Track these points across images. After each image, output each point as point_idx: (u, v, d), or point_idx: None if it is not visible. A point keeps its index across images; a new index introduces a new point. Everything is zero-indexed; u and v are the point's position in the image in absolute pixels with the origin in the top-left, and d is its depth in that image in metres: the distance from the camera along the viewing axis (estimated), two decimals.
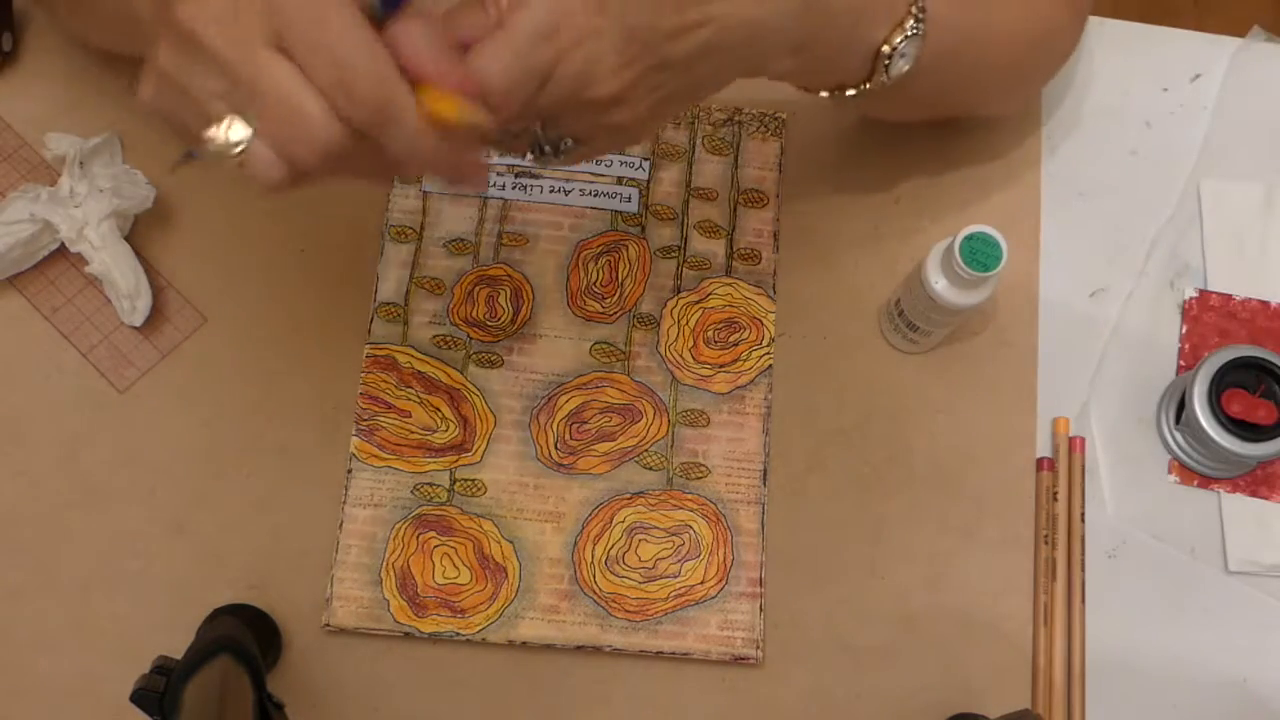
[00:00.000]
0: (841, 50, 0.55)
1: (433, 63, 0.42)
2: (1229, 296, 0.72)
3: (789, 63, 0.53)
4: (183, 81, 0.40)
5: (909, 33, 0.55)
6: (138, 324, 0.65)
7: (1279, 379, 0.65)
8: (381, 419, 0.65)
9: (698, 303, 0.69)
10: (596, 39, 0.46)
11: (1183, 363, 0.71)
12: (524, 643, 0.63)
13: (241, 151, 0.40)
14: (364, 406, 0.66)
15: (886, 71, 0.56)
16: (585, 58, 0.46)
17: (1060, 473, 0.68)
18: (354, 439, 0.65)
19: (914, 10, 0.55)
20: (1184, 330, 0.71)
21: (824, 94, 0.59)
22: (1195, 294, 0.72)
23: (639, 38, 0.47)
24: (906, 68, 0.56)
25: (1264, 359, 0.65)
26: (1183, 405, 0.67)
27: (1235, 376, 0.65)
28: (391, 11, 0.43)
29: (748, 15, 0.49)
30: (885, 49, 0.55)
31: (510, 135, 0.50)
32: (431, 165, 0.43)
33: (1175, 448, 0.68)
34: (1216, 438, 0.64)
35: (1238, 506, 0.68)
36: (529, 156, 0.51)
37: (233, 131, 0.40)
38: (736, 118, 0.72)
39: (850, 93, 0.58)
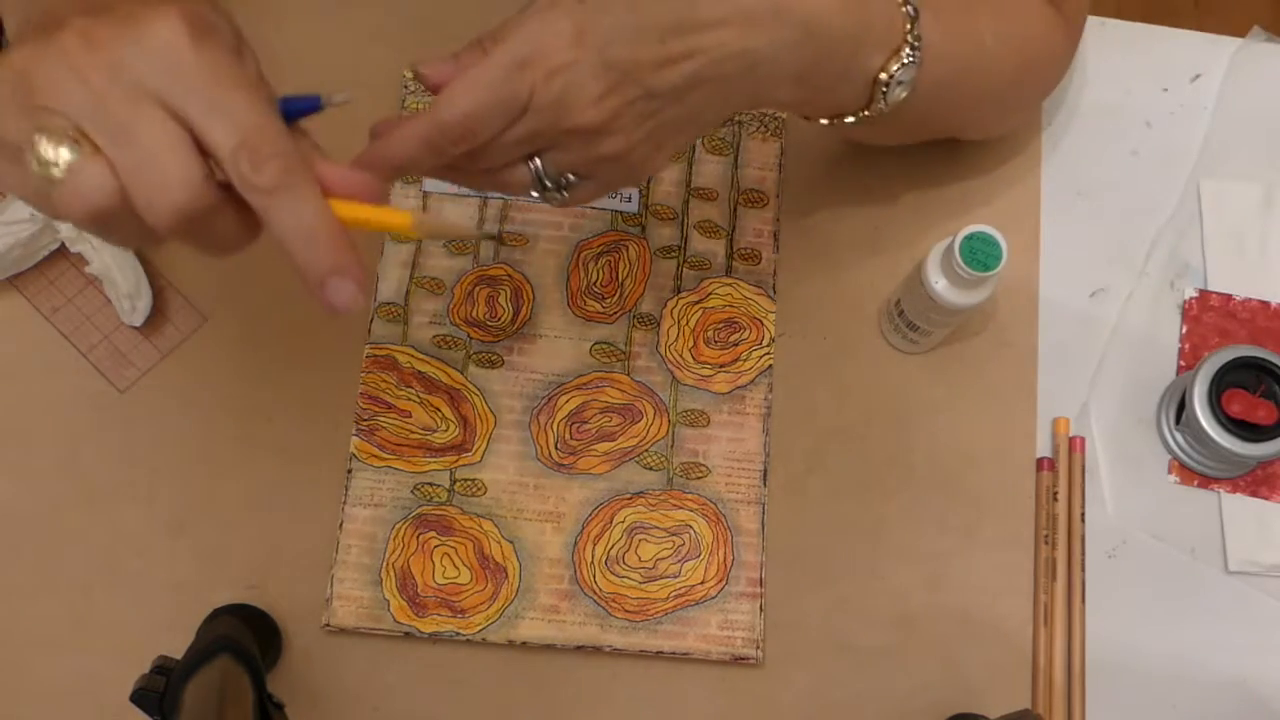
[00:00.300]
0: (840, 80, 0.55)
1: (328, 168, 0.42)
2: (1229, 296, 0.72)
3: (789, 92, 0.53)
4: (31, 83, 0.38)
5: (905, 60, 0.55)
6: (138, 324, 0.65)
7: (1279, 379, 0.65)
8: (381, 419, 0.65)
9: (698, 303, 0.69)
10: (575, 68, 0.47)
11: (1183, 363, 0.71)
12: (524, 643, 0.63)
13: (57, 172, 0.38)
14: (364, 406, 0.66)
15: (884, 99, 0.56)
16: (563, 86, 0.47)
17: (1060, 473, 0.68)
18: (354, 439, 0.65)
19: (910, 39, 0.55)
20: (1184, 330, 0.71)
21: (823, 121, 0.59)
22: (1195, 294, 0.72)
23: (619, 68, 0.47)
24: (904, 95, 0.57)
25: (1264, 359, 0.65)
26: (1183, 405, 0.67)
27: (1235, 376, 0.65)
28: (290, 120, 0.42)
29: (740, 47, 0.49)
30: (883, 76, 0.55)
31: (503, 173, 0.50)
32: (316, 250, 0.40)
33: (1175, 448, 0.68)
34: (1216, 438, 0.64)
35: (1238, 506, 0.68)
36: (534, 194, 0.52)
37: (62, 151, 0.38)
38: (737, 118, 0.72)
39: (849, 120, 0.58)
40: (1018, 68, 0.64)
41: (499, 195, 0.69)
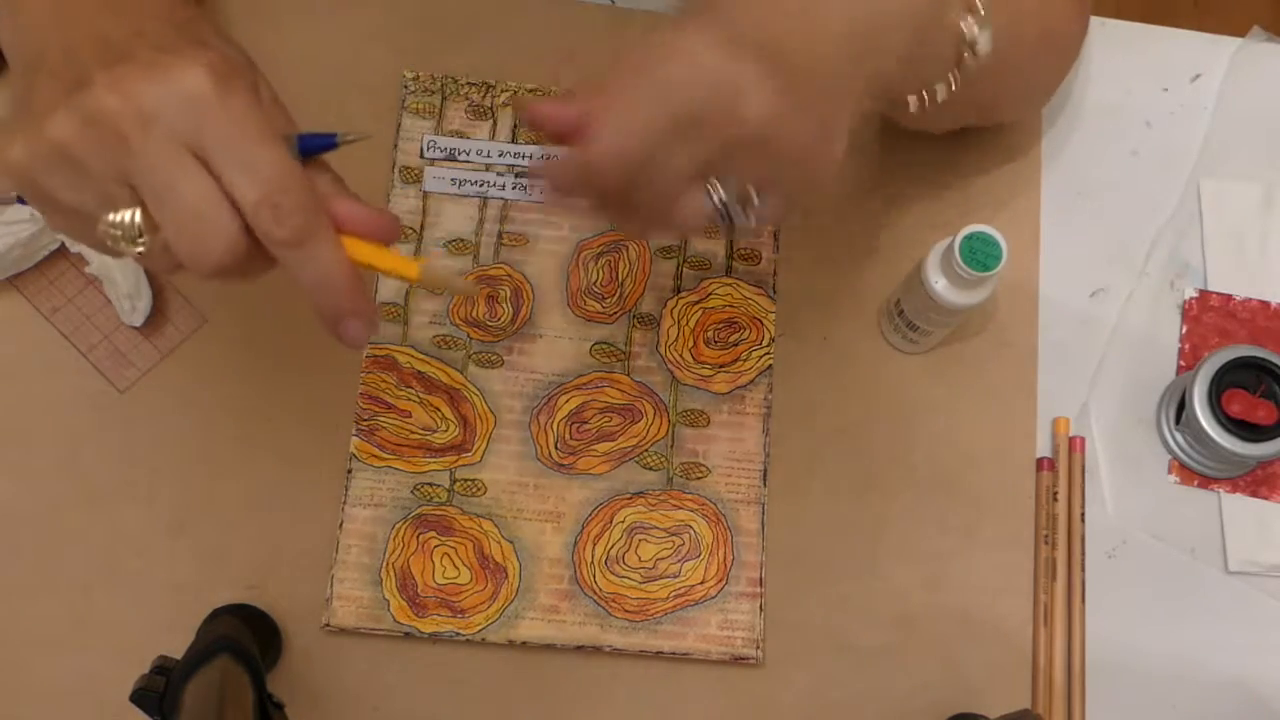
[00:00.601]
0: (933, 42, 0.53)
1: (344, 206, 0.43)
2: (1229, 296, 0.72)
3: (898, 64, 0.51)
4: (82, 161, 0.39)
5: (981, 9, 0.53)
6: (138, 324, 0.65)
7: (1279, 379, 0.65)
8: (381, 419, 0.65)
9: (698, 303, 0.69)
10: (722, 69, 0.44)
11: (1183, 363, 0.71)
12: (524, 643, 0.63)
13: (143, 241, 0.41)
14: (364, 406, 0.66)
15: (974, 52, 0.54)
16: (717, 88, 0.44)
17: (1060, 473, 0.68)
18: (354, 439, 0.65)
19: None
20: (1184, 330, 0.71)
21: (911, 105, 0.56)
22: (1195, 294, 0.72)
23: (767, 49, 0.44)
24: (987, 49, 0.54)
25: (1264, 359, 0.65)
26: (1183, 405, 0.67)
27: (1235, 376, 0.65)
28: (308, 156, 0.43)
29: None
30: (966, 31, 0.53)
31: (676, 207, 0.47)
32: (333, 296, 0.42)
33: (1175, 448, 0.68)
34: (1216, 438, 0.64)
35: (1238, 506, 0.68)
36: (721, 227, 0.48)
37: (135, 218, 0.41)
38: None
39: (939, 91, 0.55)
40: (1046, 42, 0.63)
41: (500, 196, 0.69)
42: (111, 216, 0.41)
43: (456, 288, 0.43)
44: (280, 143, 0.41)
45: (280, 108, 0.44)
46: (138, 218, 0.41)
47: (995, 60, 0.58)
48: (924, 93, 0.56)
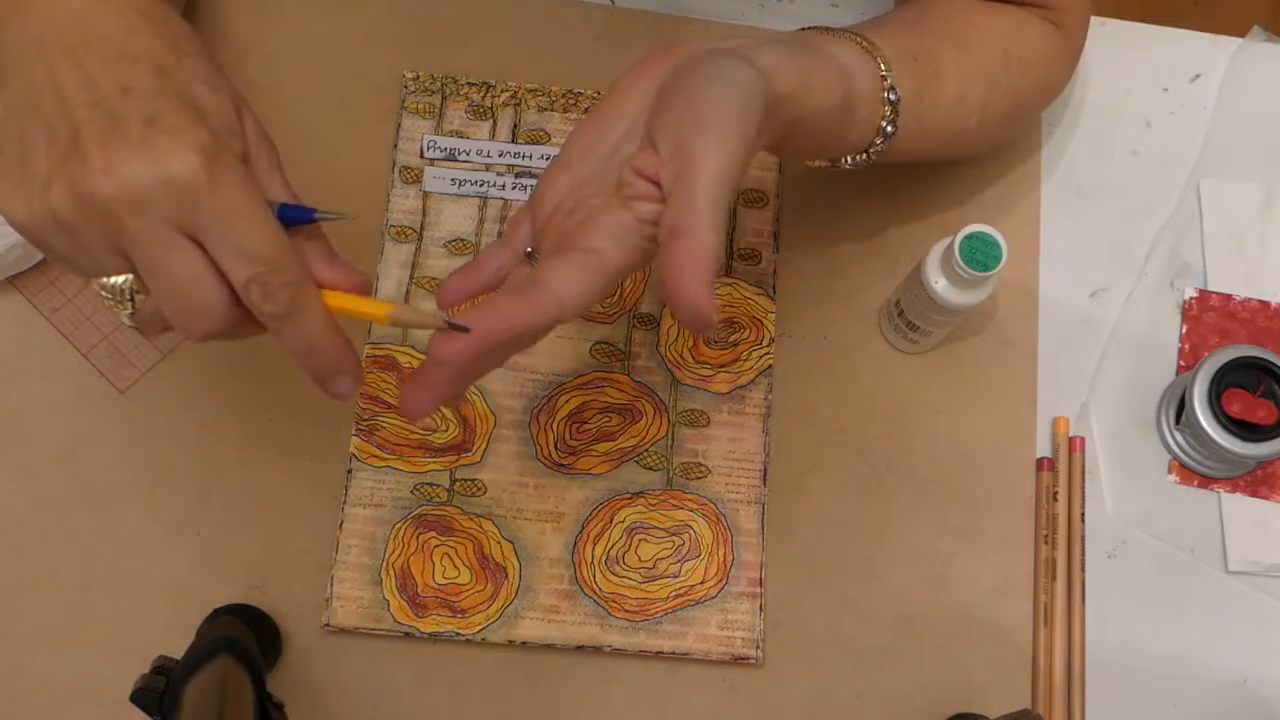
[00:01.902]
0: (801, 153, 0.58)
1: (325, 268, 0.45)
2: (1229, 296, 0.72)
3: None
4: (83, 237, 0.41)
5: (876, 145, 0.57)
6: None
7: (1279, 379, 0.65)
8: (381, 419, 0.65)
9: None
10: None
11: (1183, 363, 0.71)
12: (524, 643, 0.63)
13: (134, 305, 0.43)
14: (364, 406, 0.66)
15: (849, 163, 0.58)
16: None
17: (1060, 473, 0.68)
18: (354, 439, 0.65)
19: (883, 130, 0.57)
20: (1184, 330, 0.71)
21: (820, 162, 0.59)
22: (1195, 294, 0.72)
23: None
24: (870, 161, 0.58)
25: (1264, 359, 0.65)
26: (1183, 405, 0.67)
27: (1235, 376, 0.65)
28: (287, 225, 0.44)
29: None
30: (846, 160, 0.58)
31: None
32: (321, 359, 0.44)
33: (1175, 448, 0.68)
34: (1216, 438, 0.64)
35: (1238, 506, 0.68)
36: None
37: (126, 285, 0.43)
38: None
39: (847, 160, 0.59)
40: (999, 127, 0.66)
41: (500, 196, 0.70)
42: (105, 280, 0.43)
43: (426, 324, 0.44)
44: (269, 220, 0.42)
45: (267, 149, 0.45)
46: (130, 284, 0.43)
47: (973, 129, 0.63)
48: (829, 162, 0.59)
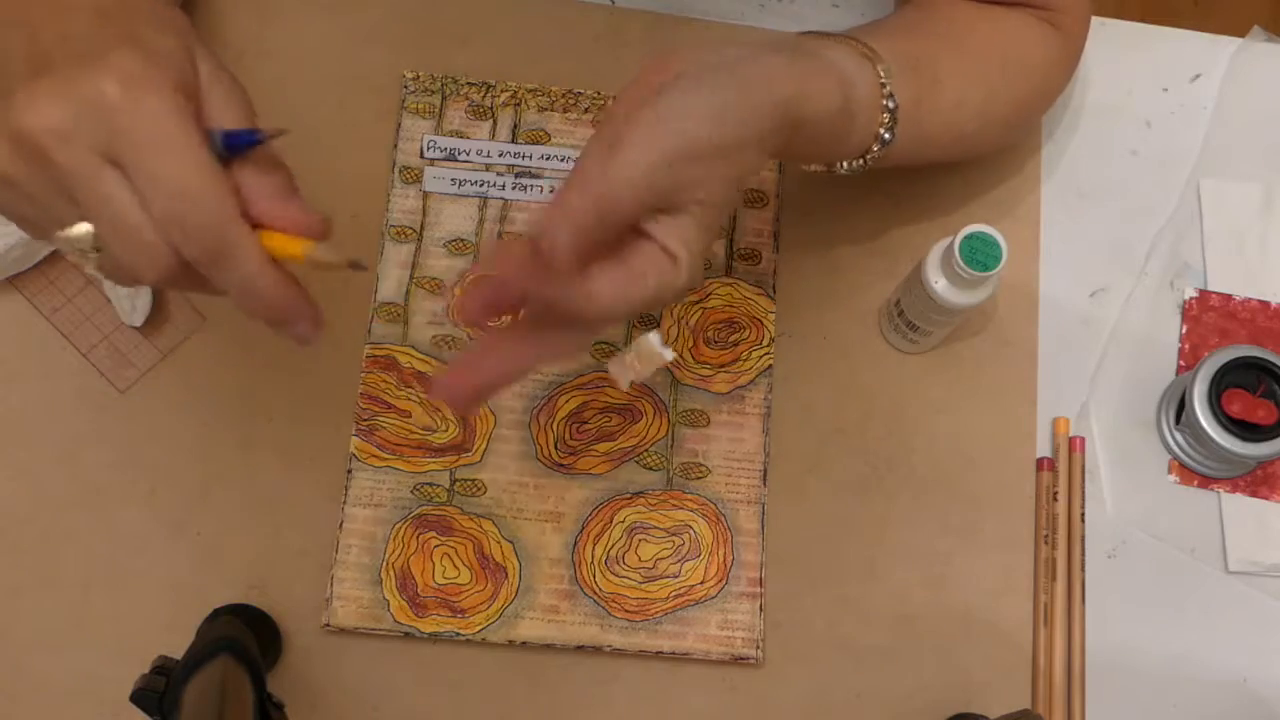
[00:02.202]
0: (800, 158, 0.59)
1: (270, 205, 0.41)
2: (1229, 296, 0.72)
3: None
4: (26, 185, 0.40)
5: (873, 151, 0.58)
6: (138, 324, 0.65)
7: (1279, 379, 0.65)
8: (381, 419, 0.65)
9: (698, 303, 0.69)
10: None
11: (1183, 363, 0.71)
12: (524, 643, 0.63)
13: (98, 251, 0.41)
14: (364, 406, 0.66)
15: (843, 168, 0.59)
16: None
17: (1060, 473, 0.68)
18: (354, 439, 0.65)
19: (881, 136, 0.57)
20: (1184, 330, 0.71)
21: (816, 166, 0.60)
22: (1195, 294, 0.72)
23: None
24: (883, 152, 0.58)
25: (1264, 359, 0.65)
26: (1183, 405, 0.67)
27: (1235, 377, 0.65)
28: (236, 153, 0.41)
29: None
30: (842, 166, 0.58)
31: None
32: (262, 306, 0.42)
33: (1175, 448, 0.68)
34: (1216, 438, 0.64)
35: (1238, 506, 0.68)
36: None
37: (82, 231, 0.41)
38: None
39: (844, 165, 0.59)
40: (999, 133, 0.66)
41: (500, 196, 0.70)
42: (65, 233, 0.41)
43: (334, 266, 0.42)
44: (196, 154, 0.39)
45: (228, 88, 0.43)
46: (89, 234, 0.40)
47: (971, 134, 0.63)
48: (825, 166, 0.59)
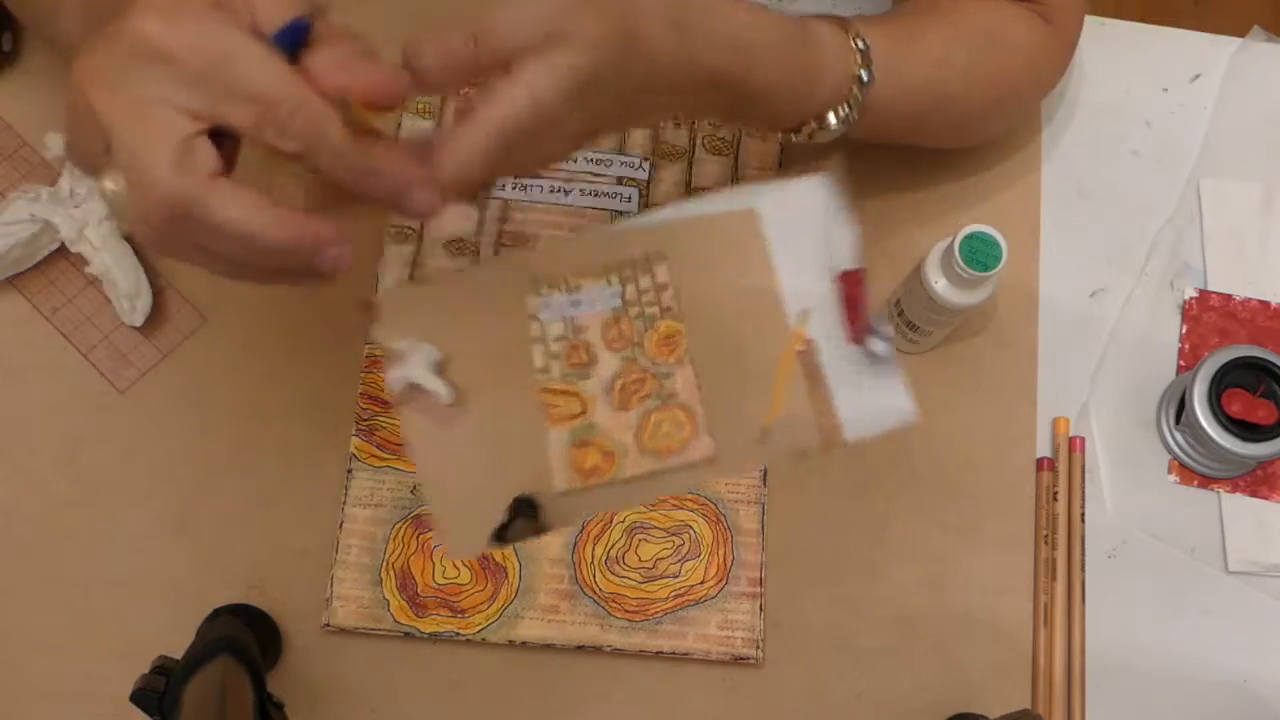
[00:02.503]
0: (765, 120, 0.59)
1: (349, 77, 0.42)
2: (1229, 296, 0.72)
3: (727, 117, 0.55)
4: (77, 132, 0.41)
5: (841, 115, 0.58)
6: (138, 324, 0.65)
7: (1279, 379, 0.65)
8: (381, 419, 0.65)
9: None
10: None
11: (1183, 363, 0.71)
12: (524, 643, 0.63)
13: (118, 199, 0.41)
14: (364, 406, 0.66)
15: (809, 136, 0.59)
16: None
17: (1060, 473, 0.68)
18: (354, 439, 0.65)
19: (851, 100, 0.58)
20: (1184, 330, 0.71)
21: (807, 127, 0.60)
22: (1195, 294, 0.72)
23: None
24: (830, 139, 0.59)
25: (1264, 359, 0.65)
26: (1183, 405, 0.67)
27: (1235, 376, 0.65)
28: (298, 47, 0.42)
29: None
30: (806, 128, 0.59)
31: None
32: (372, 179, 0.43)
33: (1175, 448, 0.68)
34: (1216, 438, 0.64)
35: (1238, 506, 0.68)
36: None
37: (111, 181, 0.41)
38: None
39: (831, 118, 0.59)
40: (986, 101, 0.65)
41: (499, 195, 0.70)
42: (99, 182, 0.42)
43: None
44: (253, 47, 0.39)
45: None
46: (110, 182, 0.41)
47: (958, 95, 0.63)
48: (815, 121, 0.59)
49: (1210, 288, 0.72)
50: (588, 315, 0.54)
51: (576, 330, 0.54)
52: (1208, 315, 0.71)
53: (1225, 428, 0.64)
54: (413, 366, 0.51)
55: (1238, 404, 0.65)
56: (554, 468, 0.51)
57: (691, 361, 0.53)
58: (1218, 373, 0.65)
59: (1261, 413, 0.65)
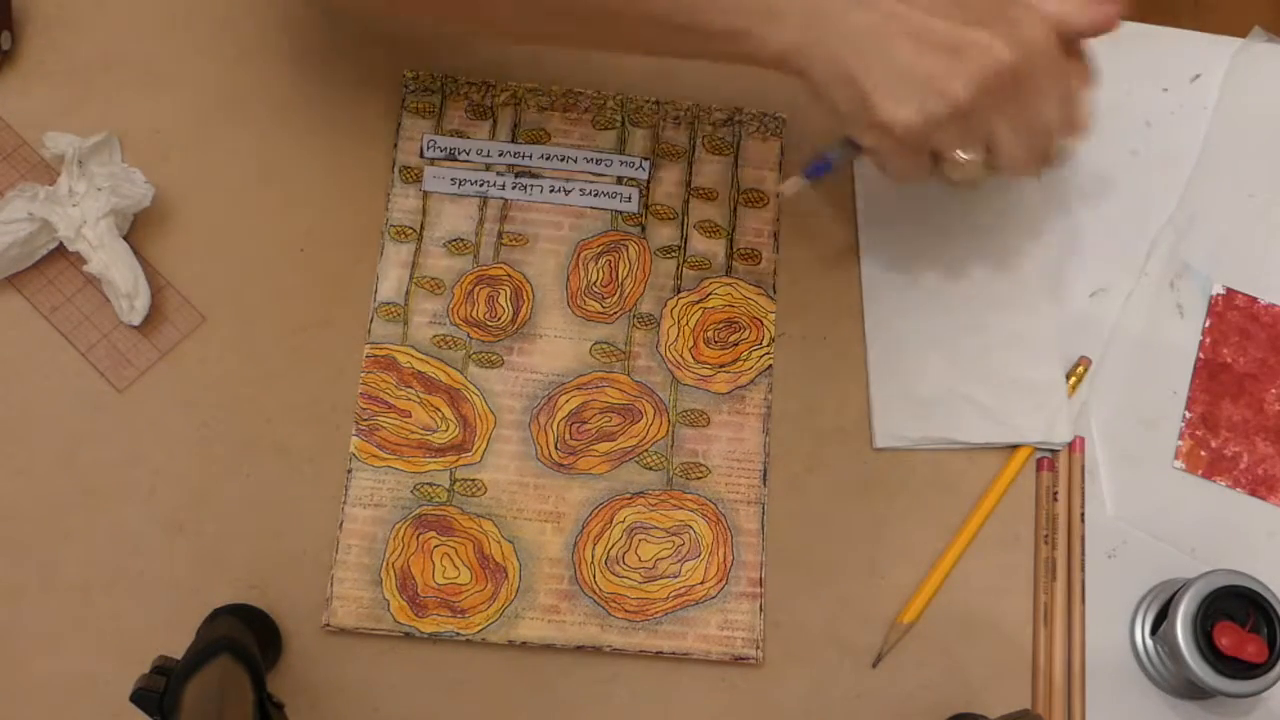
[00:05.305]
0: None
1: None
2: (1254, 299, 0.71)
3: None
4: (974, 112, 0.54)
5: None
6: (136, 323, 0.65)
7: (1266, 613, 0.61)
8: (381, 419, 0.65)
9: (698, 303, 0.69)
10: None
11: (1202, 355, 0.70)
12: (524, 643, 0.63)
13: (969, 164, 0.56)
14: (364, 406, 0.66)
15: None
16: None
17: (1060, 473, 0.68)
18: (354, 439, 0.65)
19: None
20: (1208, 324, 0.71)
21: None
22: (1222, 290, 0.71)
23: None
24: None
25: (1255, 591, 0.61)
26: (1161, 618, 0.63)
27: (1224, 605, 0.61)
28: (818, 176, 0.59)
29: None
30: None
31: None
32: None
33: (1143, 655, 0.65)
34: (1198, 670, 0.60)
35: None
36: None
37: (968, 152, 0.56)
38: (736, 117, 0.72)
39: None
40: None
41: (500, 195, 0.69)
42: (957, 155, 0.56)
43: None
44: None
45: None
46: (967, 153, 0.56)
47: None
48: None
49: (1210, 288, 0.72)
50: None
51: None
52: (1231, 314, 0.71)
53: (1208, 660, 0.60)
54: None
55: (1228, 638, 0.60)
56: None
57: None
58: (1205, 599, 0.61)
59: (1251, 649, 0.60)
